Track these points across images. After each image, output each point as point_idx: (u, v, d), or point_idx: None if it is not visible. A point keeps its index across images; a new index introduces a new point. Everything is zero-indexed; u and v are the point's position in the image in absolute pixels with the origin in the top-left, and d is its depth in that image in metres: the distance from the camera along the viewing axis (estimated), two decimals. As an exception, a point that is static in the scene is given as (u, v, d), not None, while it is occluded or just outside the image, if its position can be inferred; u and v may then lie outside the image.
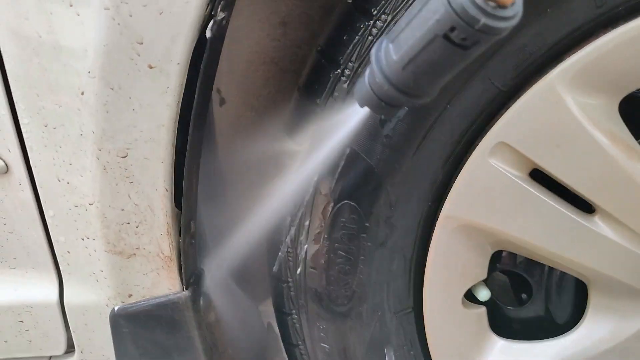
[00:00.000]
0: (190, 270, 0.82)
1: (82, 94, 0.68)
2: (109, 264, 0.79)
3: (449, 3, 0.43)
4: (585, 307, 0.84)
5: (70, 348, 0.91)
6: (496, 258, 0.87)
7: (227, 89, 1.10)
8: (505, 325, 0.90)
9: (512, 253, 0.86)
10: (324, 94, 0.75)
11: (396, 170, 0.75)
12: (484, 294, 0.86)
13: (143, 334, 0.84)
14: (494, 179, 0.73)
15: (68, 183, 0.74)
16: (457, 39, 0.45)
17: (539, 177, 0.74)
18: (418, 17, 0.47)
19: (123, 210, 0.74)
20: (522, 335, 0.88)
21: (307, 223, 0.80)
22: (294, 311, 0.88)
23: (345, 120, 0.69)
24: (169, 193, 0.74)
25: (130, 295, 0.82)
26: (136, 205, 0.74)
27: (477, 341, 0.87)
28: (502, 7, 0.43)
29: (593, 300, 0.82)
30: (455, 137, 0.74)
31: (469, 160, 0.74)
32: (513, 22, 0.44)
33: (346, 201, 0.77)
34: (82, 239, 0.78)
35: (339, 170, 0.76)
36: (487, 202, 0.75)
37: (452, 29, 0.45)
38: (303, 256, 0.82)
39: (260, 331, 1.16)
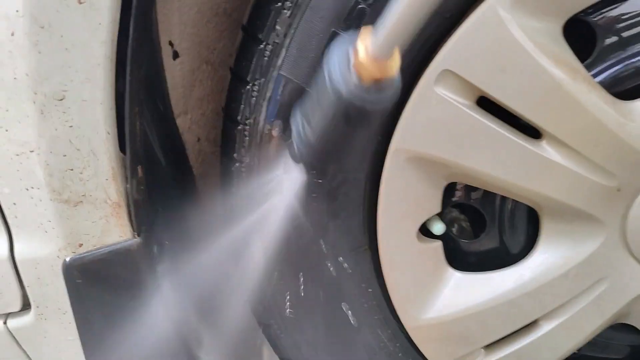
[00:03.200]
0: (141, 217, 0.80)
1: (13, 34, 0.65)
2: (56, 214, 0.77)
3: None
4: (537, 236, 0.84)
5: (26, 304, 0.90)
6: (450, 192, 0.87)
7: (179, 42, 1.08)
8: (462, 258, 0.90)
9: (466, 186, 0.86)
10: (266, 28, 0.73)
11: (343, 104, 0.74)
12: (438, 228, 0.86)
13: (97, 284, 0.83)
14: (440, 108, 0.73)
15: (7, 131, 0.72)
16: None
17: (487, 104, 0.73)
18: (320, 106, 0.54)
19: (65, 156, 0.73)
20: (479, 268, 0.88)
21: (256, 164, 0.79)
22: (250, 255, 0.87)
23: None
24: (112, 136, 0.72)
25: (80, 245, 0.80)
26: (78, 150, 0.72)
27: (434, 275, 0.87)
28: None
29: (545, 226, 0.82)
30: (401, 67, 0.72)
31: (415, 90, 0.73)
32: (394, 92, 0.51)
33: (294, 138, 0.76)
34: (27, 189, 0.76)
35: (284, 106, 0.75)
36: (435, 132, 0.74)
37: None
38: (255, 197, 0.81)
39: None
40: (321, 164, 0.63)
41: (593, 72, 0.74)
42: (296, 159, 0.62)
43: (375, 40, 0.46)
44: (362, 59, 0.47)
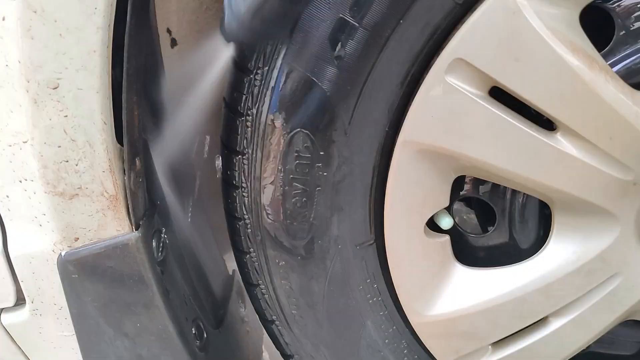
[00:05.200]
0: (139, 211, 0.78)
1: (3, 19, 0.62)
2: (51, 207, 0.74)
3: None
4: (549, 231, 0.82)
5: (20, 299, 0.87)
6: (459, 186, 0.84)
7: (178, 30, 1.05)
8: (470, 253, 0.88)
9: (475, 179, 0.83)
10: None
11: (350, 94, 0.71)
12: (446, 222, 0.83)
13: (94, 279, 0.80)
14: (452, 98, 0.70)
15: (-1, 120, 0.69)
16: None
17: (499, 95, 0.71)
18: None
19: (60, 147, 0.70)
20: (488, 263, 0.86)
21: (259, 156, 0.77)
22: (251, 249, 0.85)
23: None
24: (108, 127, 0.69)
25: (76, 239, 0.77)
26: (73, 141, 0.69)
27: (442, 270, 0.85)
28: None
29: (557, 221, 0.80)
30: (411, 56, 0.70)
31: (425, 79, 0.70)
32: None
33: (299, 129, 0.73)
34: (20, 181, 0.73)
35: (288, 96, 0.72)
36: (446, 123, 0.72)
37: None
38: (257, 190, 0.79)
39: (224, 278, 1.13)
40: (250, 42, 0.66)
41: (610, 61, 0.72)
42: (226, 37, 0.66)
43: None
44: None
